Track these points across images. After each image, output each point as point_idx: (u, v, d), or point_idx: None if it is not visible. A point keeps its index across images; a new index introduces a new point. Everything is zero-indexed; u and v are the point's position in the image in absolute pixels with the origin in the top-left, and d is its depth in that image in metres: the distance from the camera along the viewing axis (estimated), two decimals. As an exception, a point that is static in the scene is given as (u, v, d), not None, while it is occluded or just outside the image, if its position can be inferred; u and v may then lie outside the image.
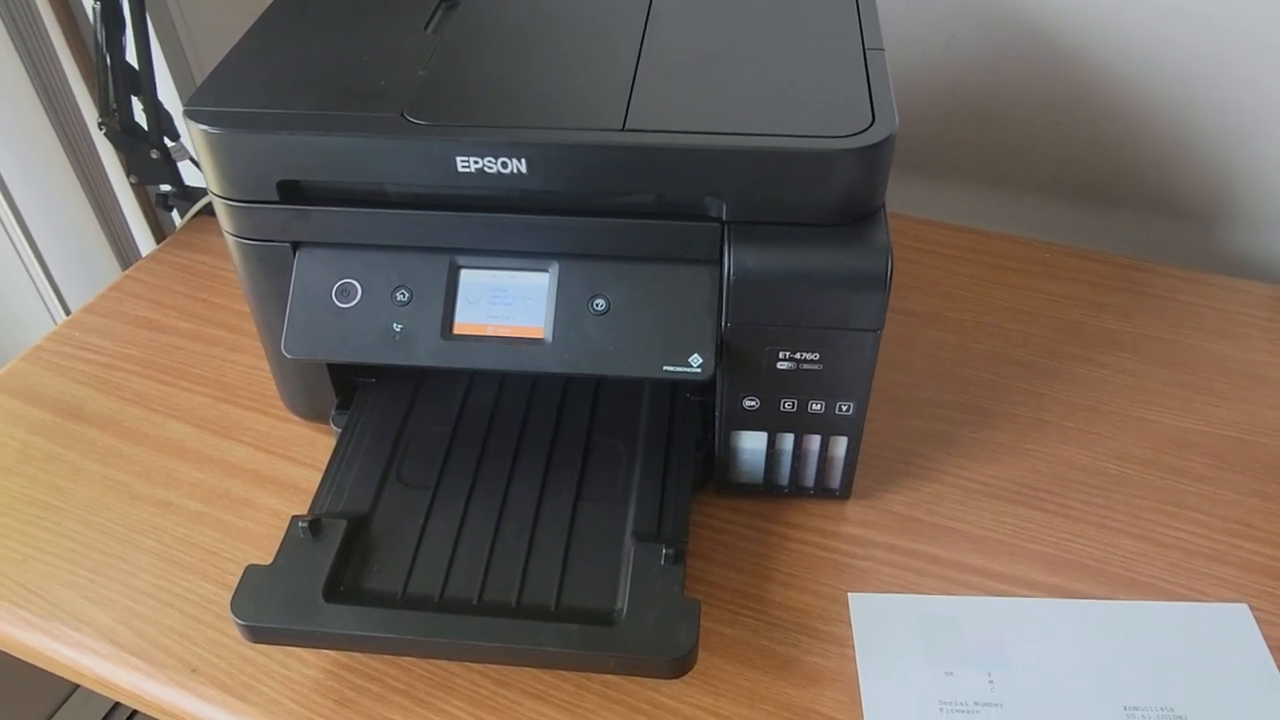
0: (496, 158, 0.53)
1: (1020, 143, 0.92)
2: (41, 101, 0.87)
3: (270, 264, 0.60)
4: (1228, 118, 0.84)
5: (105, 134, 0.86)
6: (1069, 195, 0.93)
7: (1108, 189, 0.91)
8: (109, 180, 0.93)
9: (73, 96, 0.89)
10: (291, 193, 0.57)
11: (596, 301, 0.57)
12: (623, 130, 0.53)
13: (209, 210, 0.93)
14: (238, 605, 0.54)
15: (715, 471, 0.66)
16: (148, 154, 0.88)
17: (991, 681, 0.57)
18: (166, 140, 0.88)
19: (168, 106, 0.87)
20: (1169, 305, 0.81)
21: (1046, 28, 0.85)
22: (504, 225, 0.57)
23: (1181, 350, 0.77)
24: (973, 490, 0.67)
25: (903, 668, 0.57)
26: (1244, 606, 0.60)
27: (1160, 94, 0.85)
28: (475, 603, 0.55)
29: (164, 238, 0.97)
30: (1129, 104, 0.86)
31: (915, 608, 0.61)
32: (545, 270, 0.58)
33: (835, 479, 0.65)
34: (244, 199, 0.58)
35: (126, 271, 0.87)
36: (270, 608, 0.54)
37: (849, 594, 0.61)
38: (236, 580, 0.55)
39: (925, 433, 0.71)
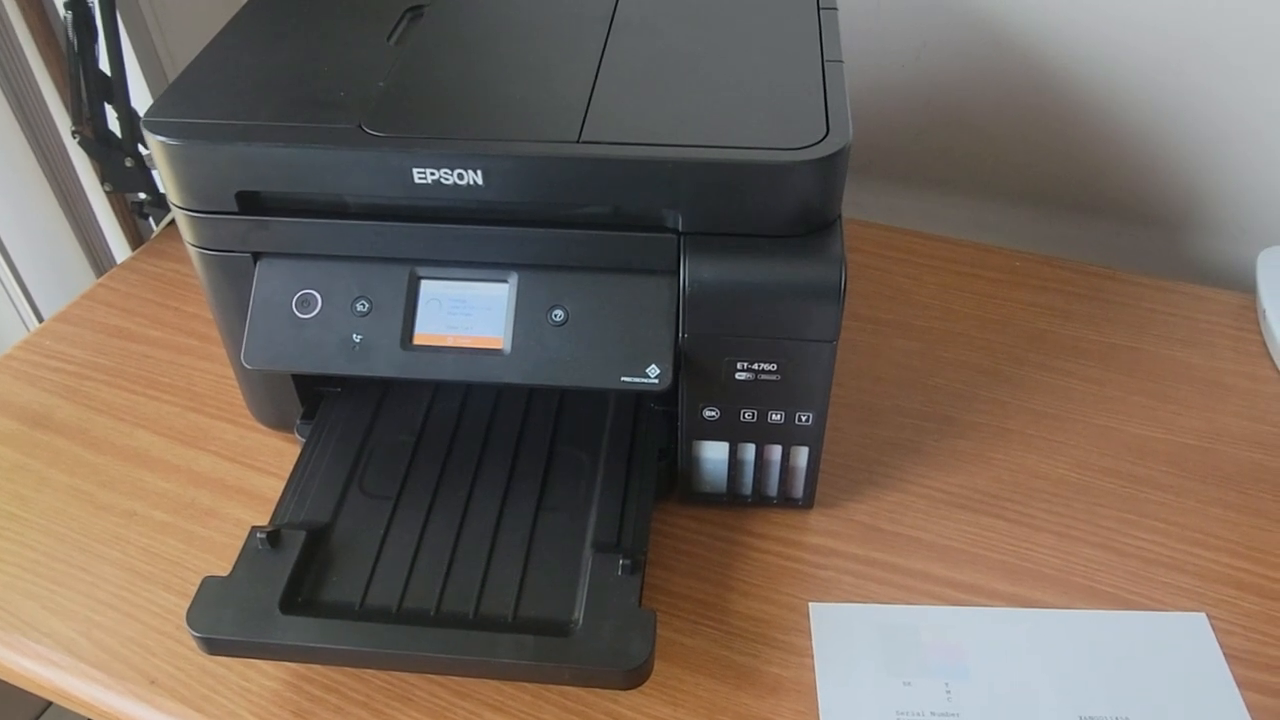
0: (452, 169, 0.54)
1: (992, 151, 0.92)
2: (13, 109, 0.86)
3: (231, 274, 0.61)
4: (1194, 126, 0.85)
5: (79, 142, 0.86)
6: (1040, 203, 0.94)
7: (1077, 197, 0.92)
8: (83, 188, 0.93)
9: (45, 104, 0.89)
10: (251, 203, 0.58)
11: (555, 312, 0.57)
12: (578, 142, 0.54)
13: (182, 218, 0.93)
14: (194, 617, 0.54)
15: (678, 481, 0.66)
16: (122, 162, 0.88)
17: (949, 691, 0.57)
18: (140, 148, 0.88)
19: (142, 114, 0.87)
20: (1136, 313, 0.81)
21: (1015, 38, 0.85)
22: (463, 236, 0.57)
23: (1147, 358, 0.77)
24: (936, 499, 0.67)
25: (861, 677, 0.58)
26: (1202, 616, 0.60)
27: (1128, 103, 0.85)
28: (433, 614, 0.55)
29: (139, 244, 0.97)
30: (1097, 113, 0.87)
31: (875, 617, 0.61)
32: (504, 281, 0.58)
33: (798, 488, 0.65)
34: (204, 210, 0.58)
35: (99, 280, 0.88)
36: (226, 620, 0.54)
37: (810, 603, 0.61)
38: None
39: (891, 441, 0.71)
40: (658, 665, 0.58)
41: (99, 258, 0.96)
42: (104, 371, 0.79)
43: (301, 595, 0.56)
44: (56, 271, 0.93)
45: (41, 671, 0.60)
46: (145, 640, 0.60)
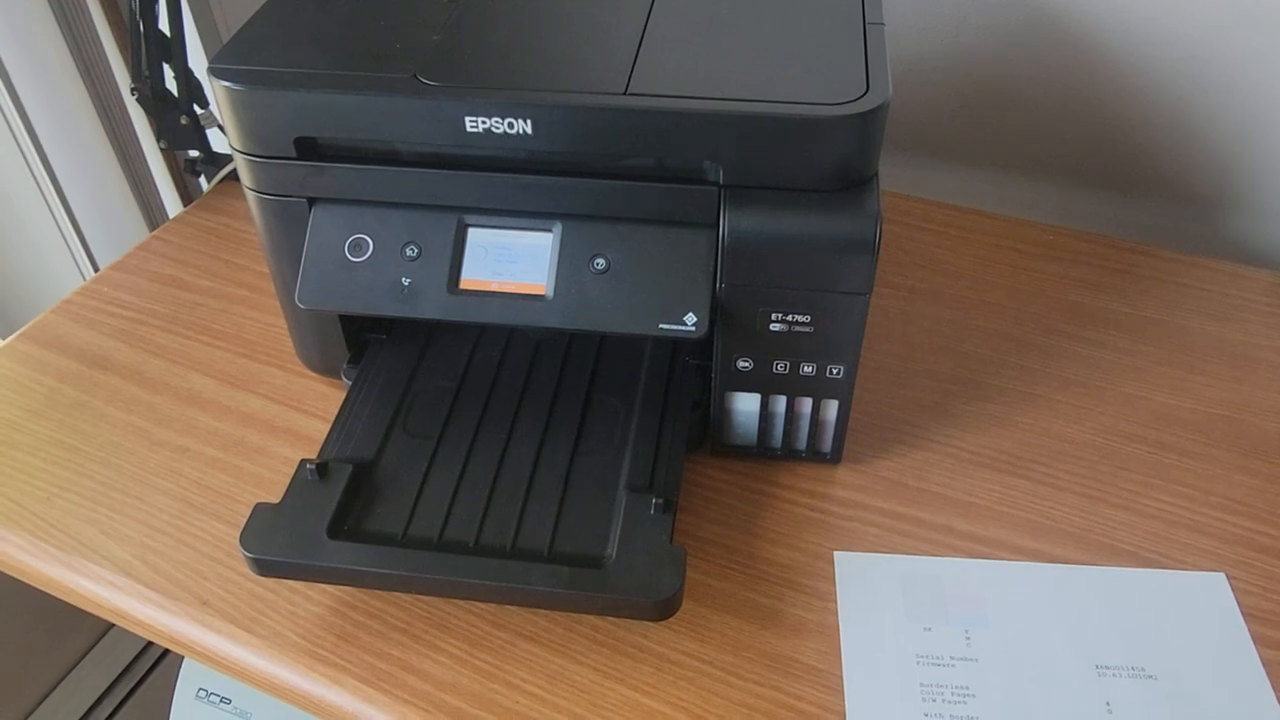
0: (503, 118, 0.56)
1: (1029, 127, 0.93)
2: (78, 67, 0.90)
3: (287, 219, 0.63)
4: (1234, 104, 0.85)
5: (137, 99, 0.89)
6: (1075, 180, 0.94)
7: (1115, 174, 0.92)
8: (140, 144, 0.97)
9: (107, 63, 0.92)
10: (308, 149, 0.60)
11: (597, 261, 0.59)
12: (625, 94, 0.56)
13: (235, 176, 0.95)
14: (246, 540, 0.57)
15: (710, 434, 0.68)
16: (177, 120, 0.91)
17: (968, 638, 0.59)
18: (196, 107, 0.91)
19: (198, 75, 0.90)
20: (1169, 288, 0.82)
21: (1056, 12, 0.86)
22: (510, 185, 0.59)
23: (1178, 331, 0.78)
24: (962, 459, 0.69)
25: (883, 622, 0.59)
26: (1221, 576, 0.61)
27: (1165, 81, 0.86)
28: (472, 545, 0.58)
29: (190, 201, 1.00)
30: (1135, 91, 0.87)
31: (898, 567, 0.62)
32: (549, 230, 0.60)
33: (826, 442, 0.67)
34: (263, 154, 0.61)
35: (154, 232, 0.91)
36: (277, 543, 0.57)
37: (834, 552, 0.63)
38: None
39: (919, 403, 0.73)
40: (686, 604, 0.60)
41: (152, 212, 1.00)
42: (158, 318, 0.82)
43: (348, 524, 0.59)
44: (112, 223, 0.97)
45: (101, 592, 0.63)
46: (198, 565, 0.63)
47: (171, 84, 0.89)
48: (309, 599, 0.61)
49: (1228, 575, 0.61)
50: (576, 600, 0.55)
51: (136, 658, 1.21)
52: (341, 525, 0.58)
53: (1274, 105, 0.84)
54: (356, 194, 0.61)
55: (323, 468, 0.60)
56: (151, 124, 0.92)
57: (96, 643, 1.16)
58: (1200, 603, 0.60)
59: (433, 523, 0.59)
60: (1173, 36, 0.83)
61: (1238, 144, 0.87)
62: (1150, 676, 0.56)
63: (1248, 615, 0.59)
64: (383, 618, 0.60)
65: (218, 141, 0.95)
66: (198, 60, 0.97)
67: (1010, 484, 0.67)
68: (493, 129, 0.56)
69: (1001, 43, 0.89)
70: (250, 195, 0.64)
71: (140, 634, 0.63)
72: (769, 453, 0.68)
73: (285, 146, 0.60)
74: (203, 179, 0.99)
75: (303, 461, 0.61)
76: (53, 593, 0.65)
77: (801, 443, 0.67)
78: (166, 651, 1.25)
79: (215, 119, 0.94)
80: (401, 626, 0.59)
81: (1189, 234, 0.92)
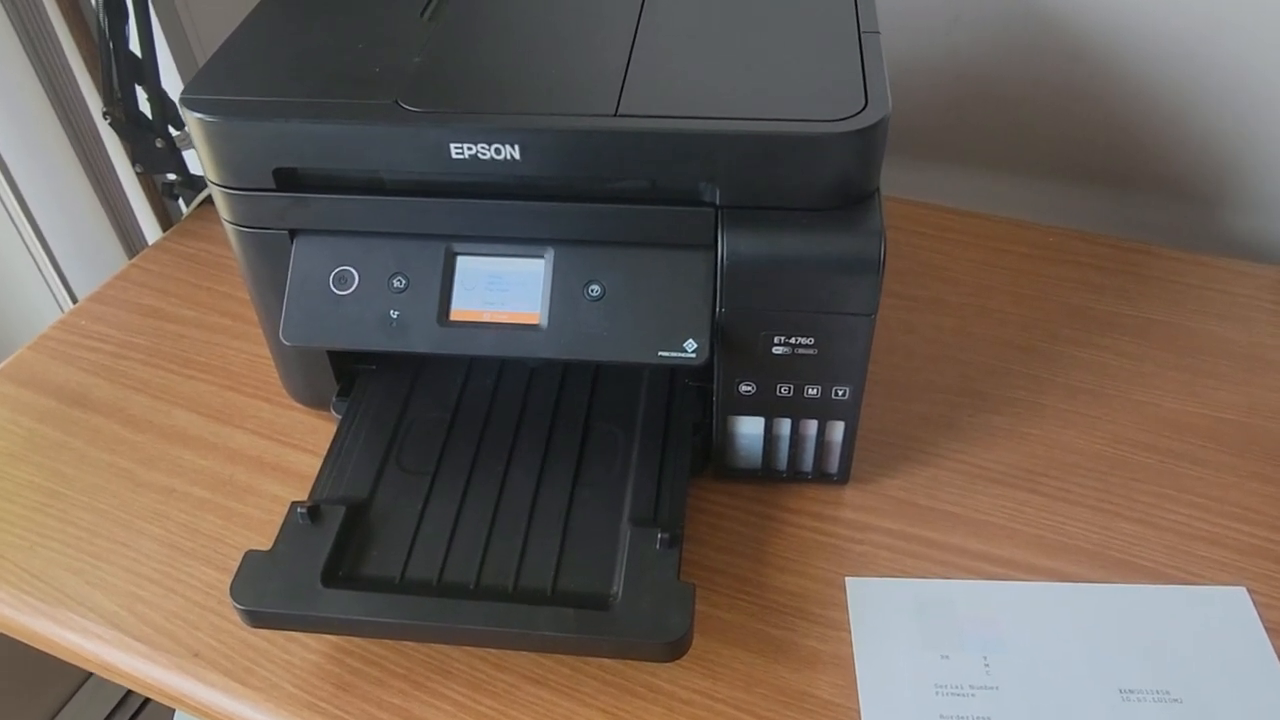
0: (490, 144, 0.54)
1: (1025, 127, 0.91)
2: (46, 91, 0.87)
3: (268, 251, 0.61)
4: (1231, 100, 0.83)
5: (110, 123, 0.86)
6: (1074, 179, 0.93)
7: (1112, 172, 0.91)
8: (114, 169, 0.94)
9: (77, 86, 0.89)
10: (288, 180, 0.58)
11: (592, 287, 0.57)
12: (615, 115, 0.53)
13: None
14: (237, 590, 0.54)
15: (713, 457, 0.66)
16: (152, 143, 0.88)
17: (987, 665, 0.57)
18: (171, 129, 0.88)
19: (172, 95, 0.88)
20: (1172, 288, 0.81)
21: (1051, 8, 0.84)
22: (499, 212, 0.57)
23: (1184, 333, 0.77)
24: (971, 474, 0.67)
25: (898, 651, 0.58)
26: (1242, 590, 0.60)
27: (1164, 77, 0.84)
28: (473, 587, 0.56)
29: (170, 226, 0.97)
30: (1133, 87, 0.86)
31: (911, 591, 0.61)
32: (541, 256, 0.58)
33: (833, 463, 0.65)
34: (241, 186, 0.58)
35: (132, 260, 0.88)
36: (269, 593, 0.55)
37: (846, 578, 0.61)
38: (238, 564, 0.56)
39: (924, 417, 0.71)
40: (695, 639, 0.58)
41: (130, 238, 0.97)
42: (139, 351, 0.79)
43: (342, 569, 0.57)
44: (89, 252, 0.94)
45: (86, 645, 0.60)
46: (188, 614, 0.61)
47: (145, 106, 0.87)
48: (305, 646, 0.59)
49: (1249, 589, 0.60)
50: (583, 644, 0.53)
51: (120, 703, 1.18)
52: (336, 571, 0.56)
53: (1275, 98, 0.82)
54: (340, 224, 0.59)
55: (314, 510, 0.58)
56: (126, 148, 0.90)
57: (77, 690, 1.13)
58: (1222, 618, 0.59)
59: (431, 564, 0.57)
60: (1170, 30, 0.82)
61: (1239, 138, 0.85)
62: (1175, 700, 0.55)
63: (1271, 630, 0.58)
64: (382, 664, 0.58)
65: (196, 163, 0.93)
66: (171, 81, 0.95)
67: (1022, 499, 0.66)
68: (479, 155, 0.54)
69: (995, 40, 0.88)
70: (229, 228, 0.62)
71: (129, 687, 0.61)
72: (774, 475, 0.66)
73: (264, 178, 0.58)
74: (181, 202, 0.97)
75: (294, 504, 0.58)
76: (37, 646, 0.63)
77: (807, 464, 0.65)
78: (146, 702, 1.23)
79: (191, 141, 0.91)
80: (401, 673, 0.57)
81: (1191, 232, 0.91)
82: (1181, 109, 0.85)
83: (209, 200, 0.93)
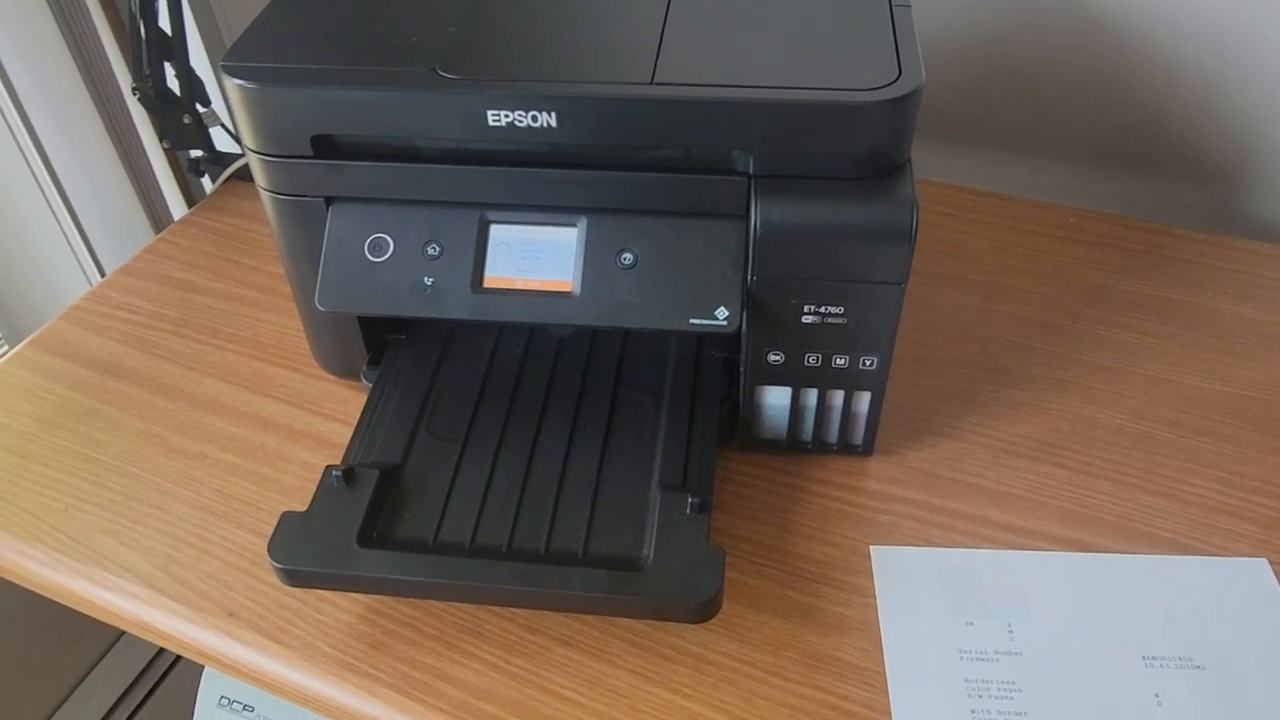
0: (526, 111, 0.54)
1: (1046, 108, 0.92)
2: (78, 67, 0.88)
3: (304, 219, 0.62)
4: (1255, 80, 0.84)
5: (139, 99, 0.87)
6: (1095, 161, 0.93)
7: (1134, 154, 0.91)
8: (143, 145, 0.95)
9: (108, 63, 0.90)
10: (325, 148, 0.59)
11: (624, 255, 0.58)
12: (651, 84, 0.54)
13: (240, 175, 0.94)
14: (275, 550, 0.55)
15: (739, 427, 0.66)
16: (180, 119, 0.89)
17: (1011, 631, 0.58)
18: (198, 106, 0.89)
19: (199, 73, 0.89)
20: (1193, 268, 0.81)
21: (1073, -9, 0.85)
22: (534, 180, 0.58)
23: (1205, 312, 0.77)
24: (994, 448, 0.68)
25: (923, 617, 0.58)
26: (1263, 561, 0.61)
27: (1187, 55, 0.84)
28: (505, 549, 0.57)
29: (194, 202, 0.98)
30: (1156, 68, 0.86)
31: (936, 560, 0.61)
32: (574, 225, 0.59)
33: (858, 435, 0.66)
34: (279, 154, 0.59)
35: (160, 234, 0.89)
36: (306, 552, 0.55)
37: (871, 547, 0.62)
38: (271, 529, 0.56)
39: (947, 392, 0.72)
40: (723, 604, 0.58)
41: (157, 213, 0.98)
42: (169, 322, 0.80)
43: (377, 531, 0.57)
44: (116, 225, 0.95)
45: (123, 604, 0.61)
46: (222, 575, 0.62)
47: (174, 83, 0.88)
48: (338, 607, 0.60)
49: (1270, 560, 0.61)
50: (615, 604, 0.54)
51: (151, 662, 1.20)
52: (371, 532, 0.57)
53: (1297, 81, 0.83)
54: (375, 192, 0.60)
55: (349, 473, 0.59)
56: (154, 124, 0.91)
57: (111, 648, 1.15)
58: (1244, 589, 0.59)
59: (464, 527, 0.58)
60: (1192, 10, 0.82)
61: (1260, 120, 0.85)
62: (1198, 667, 0.55)
63: (1293, 601, 0.58)
64: (414, 625, 0.59)
65: (222, 140, 0.94)
66: (199, 59, 0.96)
67: (1044, 472, 0.66)
68: (515, 122, 0.55)
69: (1017, 21, 0.88)
70: (265, 196, 0.62)
71: (167, 647, 0.62)
72: (799, 446, 0.67)
73: (301, 145, 0.58)
74: (206, 179, 0.98)
75: (329, 468, 0.59)
76: (74, 606, 0.64)
77: (833, 435, 0.66)
78: (176, 660, 1.24)
79: (218, 118, 0.92)
80: (434, 633, 0.58)
81: (1212, 213, 0.91)
82: (1204, 90, 0.86)
83: (234, 176, 0.94)
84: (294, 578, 0.56)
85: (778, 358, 0.61)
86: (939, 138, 0.96)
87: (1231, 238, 0.84)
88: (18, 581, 0.65)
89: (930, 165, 0.97)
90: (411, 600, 0.60)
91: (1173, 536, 0.62)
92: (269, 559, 0.55)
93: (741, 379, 0.63)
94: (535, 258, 0.59)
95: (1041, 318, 0.78)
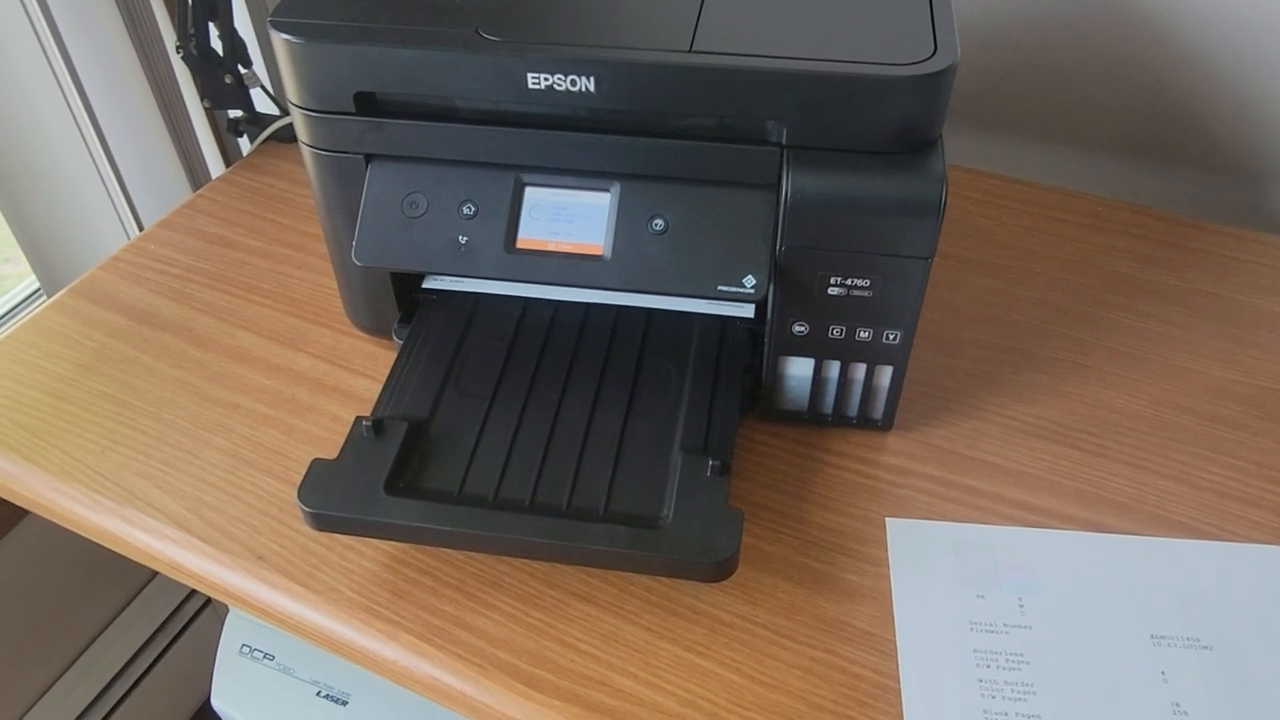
0: (566, 75, 0.55)
1: (1077, 98, 0.92)
2: (126, 25, 0.89)
3: (344, 175, 0.63)
4: (1289, 77, 0.84)
5: (183, 58, 0.89)
6: (1123, 153, 0.93)
7: (1164, 146, 0.91)
8: (184, 103, 0.96)
9: (154, 20, 0.92)
10: (367, 105, 0.60)
11: (655, 221, 0.59)
12: (689, 51, 0.55)
13: (278, 136, 0.95)
14: (305, 494, 0.57)
15: (761, 397, 0.68)
16: (222, 79, 0.91)
17: (1022, 606, 0.59)
18: (240, 67, 0.91)
19: (242, 35, 0.90)
20: (1218, 261, 0.81)
21: (1111, -19, 0.85)
22: (569, 144, 0.59)
23: (1228, 305, 0.78)
24: (1012, 428, 0.69)
25: (935, 588, 0.59)
26: (1275, 549, 0.61)
27: (1221, 48, 0.84)
28: (528, 503, 0.58)
29: (232, 161, 1.00)
30: (1188, 57, 0.86)
31: (950, 534, 0.62)
32: (607, 190, 0.60)
33: (878, 409, 0.67)
34: (322, 109, 0.60)
35: (199, 191, 0.91)
36: (335, 498, 0.57)
37: (886, 518, 0.63)
38: (300, 477, 0.58)
39: (968, 372, 0.73)
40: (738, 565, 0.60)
41: (195, 171, 1.00)
42: (206, 275, 0.82)
43: (404, 480, 0.59)
44: (156, 181, 0.97)
45: (155, 544, 0.63)
46: (251, 520, 0.63)
47: (216, 43, 0.89)
48: (363, 555, 0.61)
49: (1283, 548, 0.61)
50: (635, 560, 0.55)
51: (178, 608, 1.22)
52: (398, 482, 0.58)
53: (1332, 77, 0.83)
54: (414, 151, 0.61)
55: (378, 424, 0.61)
56: (196, 83, 0.92)
57: (139, 592, 1.18)
58: (1255, 575, 0.60)
59: (488, 481, 0.59)
60: (1225, 3, 0.82)
61: (1292, 117, 0.85)
62: (1205, 647, 0.56)
63: (1303, 588, 0.59)
64: (436, 574, 0.60)
65: (261, 101, 0.95)
66: (242, 20, 0.97)
67: (1061, 454, 0.67)
68: (555, 86, 0.56)
69: (1048, 9, 0.88)
70: (306, 151, 0.64)
71: (195, 587, 0.64)
72: (820, 418, 0.68)
73: (344, 102, 0.60)
74: (245, 139, 0.99)
75: (359, 418, 0.61)
76: (107, 545, 0.66)
77: (853, 409, 0.67)
78: (208, 602, 1.27)
79: (258, 79, 0.94)
80: (455, 584, 0.60)
81: (1238, 208, 0.91)
82: (1235, 83, 0.85)
83: (272, 137, 0.95)
84: (321, 522, 0.57)
85: (802, 328, 0.62)
86: (969, 124, 0.97)
87: (1259, 233, 0.84)
88: (53, 519, 0.67)
89: (958, 151, 0.97)
90: (434, 551, 0.61)
91: (1186, 521, 0.63)
92: (298, 503, 0.57)
93: (765, 349, 0.64)
94: (568, 220, 0.60)
95: (1064, 303, 0.78)
